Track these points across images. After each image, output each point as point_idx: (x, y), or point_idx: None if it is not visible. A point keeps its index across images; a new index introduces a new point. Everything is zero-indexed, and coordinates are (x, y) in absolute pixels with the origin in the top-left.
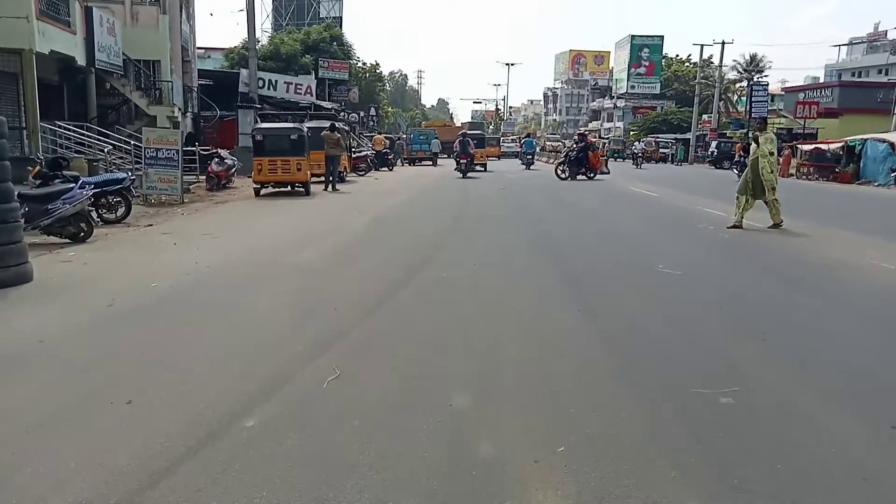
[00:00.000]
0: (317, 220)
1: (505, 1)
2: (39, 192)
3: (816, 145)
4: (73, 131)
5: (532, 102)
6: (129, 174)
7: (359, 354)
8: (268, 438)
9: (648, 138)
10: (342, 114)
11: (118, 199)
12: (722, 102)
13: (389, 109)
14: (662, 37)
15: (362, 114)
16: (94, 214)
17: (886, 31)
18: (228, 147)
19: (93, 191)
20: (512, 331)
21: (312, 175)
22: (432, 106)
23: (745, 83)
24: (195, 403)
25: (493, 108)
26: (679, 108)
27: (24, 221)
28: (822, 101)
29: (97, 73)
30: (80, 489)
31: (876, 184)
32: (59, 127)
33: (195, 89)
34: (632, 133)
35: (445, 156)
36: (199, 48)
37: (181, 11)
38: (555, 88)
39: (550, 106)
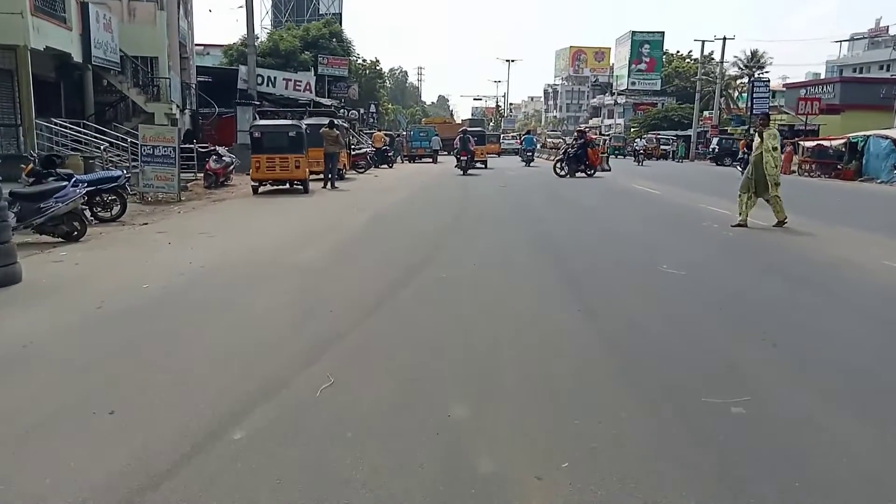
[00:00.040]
0: (315, 218)
1: None
2: (32, 190)
3: (819, 142)
4: (70, 128)
5: (532, 99)
6: (125, 172)
7: (354, 359)
8: (256, 451)
9: (649, 135)
10: (342, 111)
11: (113, 197)
12: (723, 99)
13: (389, 106)
14: (663, 33)
15: (362, 111)
16: (87, 213)
17: (888, 26)
18: (227, 144)
19: (87, 189)
20: (512, 332)
21: (311, 172)
22: (432, 103)
23: (745, 79)
24: (181, 414)
25: (494, 105)
26: (680, 104)
27: (16, 220)
28: (824, 97)
29: (94, 70)
30: None
31: (879, 181)
32: (56, 124)
33: (193, 86)
34: (632, 130)
35: (445, 153)
36: (197, 45)
37: (178, 7)
38: (555, 85)
39: (551, 102)
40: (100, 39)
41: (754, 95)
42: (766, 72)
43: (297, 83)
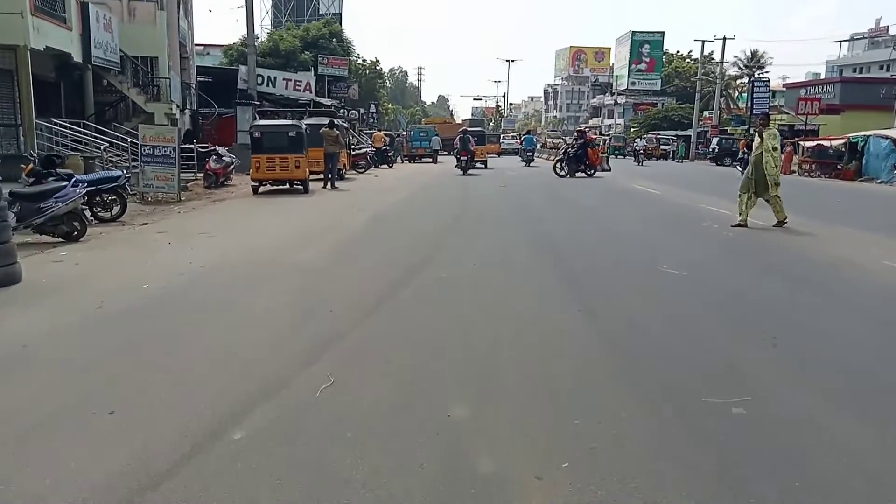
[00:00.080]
0: (315, 218)
1: None
2: (32, 190)
3: (819, 142)
4: (70, 128)
5: (532, 99)
6: (125, 172)
7: (355, 359)
8: (256, 451)
9: (649, 135)
10: (342, 111)
11: (113, 197)
12: (723, 99)
13: (389, 106)
14: (663, 33)
15: (362, 111)
16: (87, 213)
17: (888, 26)
18: (227, 144)
19: (86, 189)
20: (512, 332)
21: (311, 173)
22: (433, 103)
23: (745, 79)
24: (181, 414)
25: (494, 105)
26: (680, 104)
27: (16, 220)
28: (824, 97)
29: (94, 70)
30: None
31: (879, 181)
32: (56, 124)
33: (193, 86)
34: (632, 130)
35: (445, 153)
36: (197, 45)
37: (178, 7)
38: (555, 85)
39: (551, 102)
40: (100, 39)
41: (754, 95)
42: (766, 72)
43: (297, 83)
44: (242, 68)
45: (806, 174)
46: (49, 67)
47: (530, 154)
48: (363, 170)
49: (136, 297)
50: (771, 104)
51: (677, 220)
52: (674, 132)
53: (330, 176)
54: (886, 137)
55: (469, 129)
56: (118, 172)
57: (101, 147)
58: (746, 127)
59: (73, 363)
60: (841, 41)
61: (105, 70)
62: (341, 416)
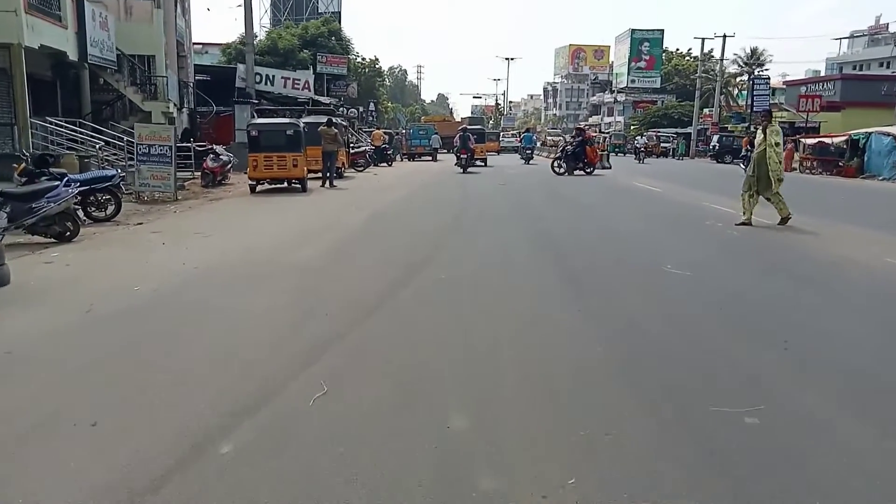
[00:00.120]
0: (313, 217)
1: None
2: (23, 190)
3: (820, 139)
4: (66, 127)
5: (532, 97)
6: (119, 171)
7: (350, 365)
8: (243, 466)
9: (650, 132)
10: (341, 109)
11: (107, 196)
12: (723, 96)
13: (389, 105)
14: (663, 31)
15: (361, 109)
16: (81, 213)
17: (888, 23)
18: (225, 143)
19: (79, 188)
20: (513, 334)
21: (310, 171)
22: (432, 101)
23: (745, 77)
24: (164, 426)
25: (493, 103)
26: (680, 102)
27: (7, 221)
28: (825, 94)
29: (90, 69)
30: None
31: (880, 178)
32: (51, 123)
33: (191, 84)
34: (632, 127)
35: (445, 151)
36: (196, 44)
37: (176, 6)
38: (555, 83)
39: (550, 101)
40: (96, 38)
41: (754, 93)
42: (766, 69)
43: (296, 81)
44: (241, 67)
45: (807, 171)
46: (45, 66)
47: (529, 152)
48: (362, 168)
49: (126, 300)
50: (771, 102)
51: (680, 218)
52: (674, 130)
53: (328, 174)
54: (888, 134)
55: (469, 127)
56: (112, 171)
57: (97, 146)
58: (747, 124)
59: (57, 370)
60: (841, 38)
61: (101, 69)
62: (334, 428)
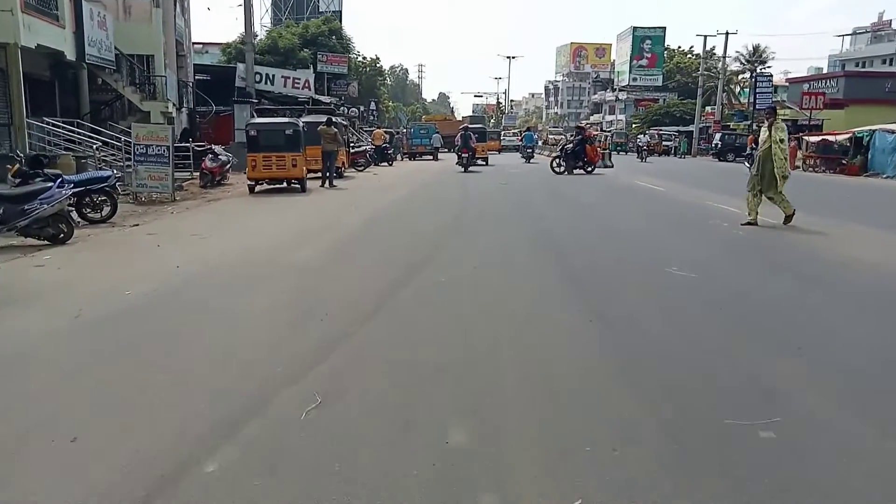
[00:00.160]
0: (312, 217)
1: None
2: (16, 191)
3: (823, 137)
4: (63, 128)
5: (533, 96)
6: (115, 171)
7: (345, 374)
8: (229, 485)
9: (651, 131)
10: (341, 108)
11: (103, 197)
12: (725, 94)
13: (390, 104)
14: (664, 28)
15: (362, 108)
16: (75, 214)
17: (891, 20)
18: (225, 143)
19: (73, 190)
20: (513, 336)
21: (309, 171)
22: (433, 100)
23: (747, 74)
24: (148, 442)
25: (495, 102)
26: (681, 100)
27: None
28: (828, 91)
29: (89, 69)
30: None
31: (884, 176)
32: (48, 123)
33: (191, 84)
34: (634, 126)
35: (446, 150)
36: (196, 43)
37: (175, 5)
38: (556, 81)
39: (552, 99)
40: (94, 37)
41: (757, 91)
42: (768, 67)
43: (296, 81)
44: (240, 66)
45: (810, 169)
46: (43, 66)
47: (530, 151)
48: (363, 168)
49: (117, 305)
50: (774, 99)
51: (684, 218)
52: (675, 128)
53: (328, 174)
54: (892, 132)
55: (470, 126)
56: (108, 172)
57: (94, 146)
58: (749, 122)
59: (40, 380)
60: (844, 35)
61: (100, 68)
62: (328, 443)
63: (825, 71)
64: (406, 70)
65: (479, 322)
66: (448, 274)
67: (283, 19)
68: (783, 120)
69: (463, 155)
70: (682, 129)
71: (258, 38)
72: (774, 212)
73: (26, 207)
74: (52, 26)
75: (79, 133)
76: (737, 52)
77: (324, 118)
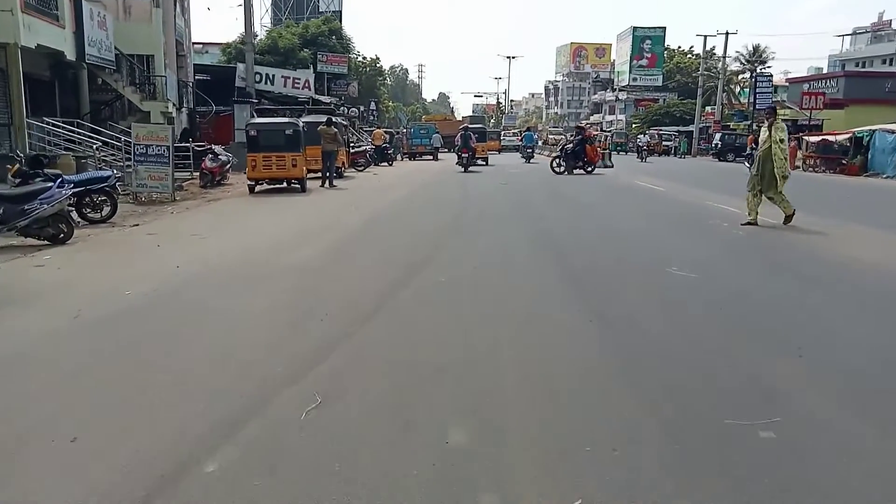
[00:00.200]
0: (312, 217)
1: None
2: (15, 191)
3: (823, 137)
4: (63, 128)
5: (533, 96)
6: (114, 171)
7: (345, 374)
8: (229, 485)
9: (651, 131)
10: (341, 108)
11: (103, 197)
12: (725, 94)
13: (390, 104)
14: (664, 28)
15: (362, 108)
16: (75, 214)
17: (891, 20)
18: (225, 143)
19: (73, 190)
20: (515, 339)
21: (309, 171)
22: (433, 100)
23: (747, 74)
24: (146, 443)
25: (495, 102)
26: (681, 100)
27: None
28: (828, 91)
29: (89, 69)
30: None
31: (884, 176)
32: (48, 124)
33: (191, 84)
34: (634, 126)
35: (446, 150)
36: (196, 43)
37: (175, 5)
38: (556, 81)
39: (552, 99)
40: (94, 37)
41: (757, 91)
42: (769, 67)
43: (296, 81)
44: (240, 66)
45: (810, 169)
46: (43, 66)
47: (530, 151)
48: (363, 168)
49: (116, 306)
50: (773, 99)
51: (684, 218)
52: (675, 128)
53: (328, 174)
54: (892, 132)
55: (470, 126)
56: (108, 172)
57: (94, 146)
58: (749, 122)
59: (37, 382)
60: (843, 35)
61: (100, 68)
62: (328, 444)
63: (825, 71)
64: (406, 70)
65: (480, 322)
66: (448, 274)
67: (283, 19)
68: (783, 120)
69: (463, 155)
70: (682, 129)
71: (258, 38)
72: (774, 212)
73: (26, 207)
74: (51, 26)
75: (79, 133)
76: (737, 52)
77: (324, 118)
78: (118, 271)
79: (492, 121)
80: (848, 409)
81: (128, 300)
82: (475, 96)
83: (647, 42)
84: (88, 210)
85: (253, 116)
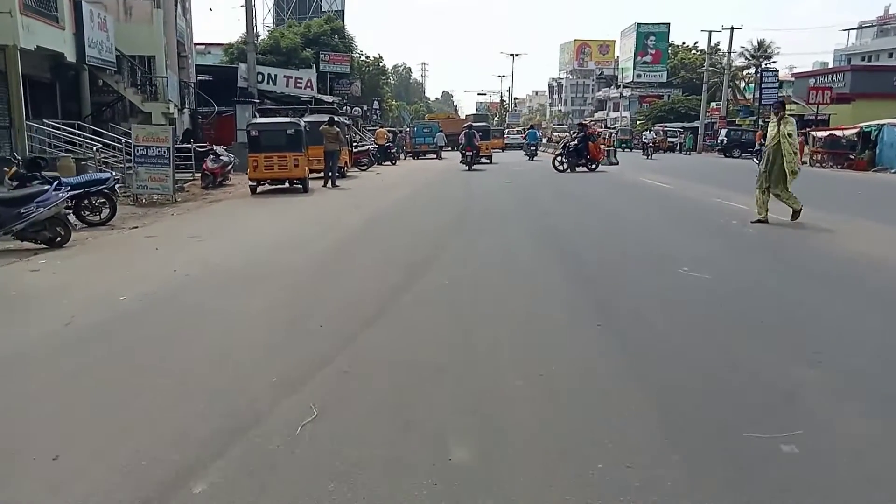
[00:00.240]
0: (314, 218)
1: None
2: (12, 194)
3: (831, 132)
4: (64, 130)
5: (537, 93)
6: (114, 173)
7: (343, 385)
8: (230, 486)
9: (656, 127)
10: (344, 108)
11: (102, 200)
12: (730, 90)
13: (393, 103)
14: (669, 24)
15: (365, 107)
16: (74, 217)
17: None
18: (227, 143)
19: (71, 192)
20: (514, 335)
21: (311, 171)
22: (436, 98)
23: (753, 70)
24: (133, 459)
25: (498, 100)
26: (686, 96)
27: None
28: (834, 86)
29: (90, 70)
30: None
31: (893, 170)
32: (49, 126)
33: (192, 85)
34: (638, 122)
35: (450, 148)
36: (198, 44)
37: (176, 5)
38: (560, 79)
39: (556, 96)
40: (94, 39)
41: (763, 86)
42: (774, 62)
43: (298, 80)
44: (242, 66)
45: (818, 165)
46: (43, 68)
47: (534, 148)
48: (366, 167)
49: (110, 312)
50: (780, 94)
51: (693, 216)
52: (680, 124)
53: (330, 174)
54: None
55: (474, 124)
56: (107, 174)
57: (94, 148)
58: (755, 118)
59: (26, 392)
60: (849, 29)
61: (101, 70)
62: (323, 460)
63: (831, 65)
64: (409, 69)
65: (481, 322)
66: (450, 274)
67: (285, 19)
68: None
69: (467, 153)
70: (687, 125)
71: (260, 38)
72: (782, 208)
73: (22, 210)
74: (51, 28)
75: (80, 135)
76: (742, 47)
77: (326, 118)
78: (114, 275)
79: (495, 119)
80: (849, 408)
81: (123, 305)
82: (479, 94)
83: (651, 38)
84: (87, 213)
85: (255, 116)
